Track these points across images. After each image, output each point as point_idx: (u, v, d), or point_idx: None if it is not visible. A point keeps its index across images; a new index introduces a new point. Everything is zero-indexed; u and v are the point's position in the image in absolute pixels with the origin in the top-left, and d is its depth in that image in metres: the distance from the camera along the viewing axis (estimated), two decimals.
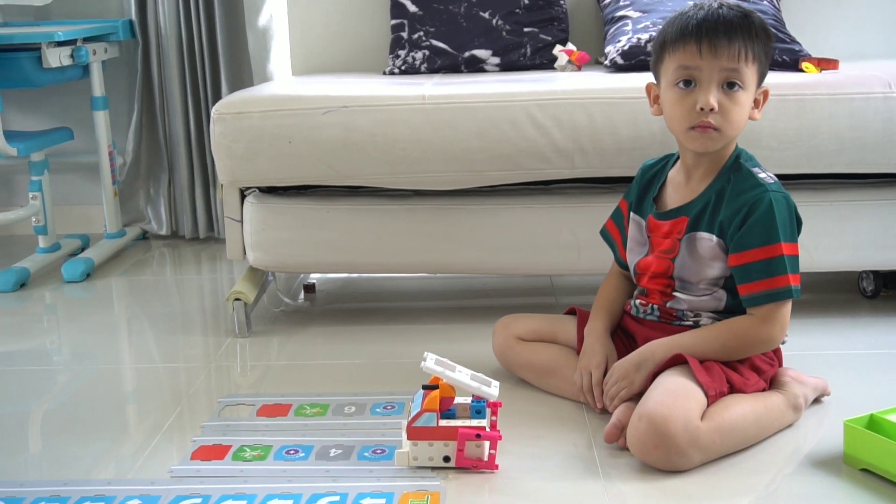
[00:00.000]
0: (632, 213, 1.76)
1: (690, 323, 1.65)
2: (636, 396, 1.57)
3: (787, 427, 1.59)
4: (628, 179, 1.84)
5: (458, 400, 1.53)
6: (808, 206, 2.08)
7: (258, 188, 2.18)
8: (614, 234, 1.83)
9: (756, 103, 1.62)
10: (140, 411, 1.81)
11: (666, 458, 1.43)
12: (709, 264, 1.61)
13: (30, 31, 2.69)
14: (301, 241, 2.15)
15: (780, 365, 1.67)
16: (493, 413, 1.53)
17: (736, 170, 1.62)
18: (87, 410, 1.81)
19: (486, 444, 1.48)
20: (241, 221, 2.20)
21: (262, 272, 2.30)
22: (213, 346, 2.13)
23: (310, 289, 2.52)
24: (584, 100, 2.01)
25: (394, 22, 2.62)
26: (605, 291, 1.80)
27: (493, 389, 1.53)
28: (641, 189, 1.75)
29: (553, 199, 2.11)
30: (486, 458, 1.48)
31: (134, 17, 3.00)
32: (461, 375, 1.52)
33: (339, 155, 2.05)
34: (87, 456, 1.60)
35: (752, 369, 1.60)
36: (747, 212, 1.56)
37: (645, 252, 1.71)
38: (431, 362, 1.52)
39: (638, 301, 1.73)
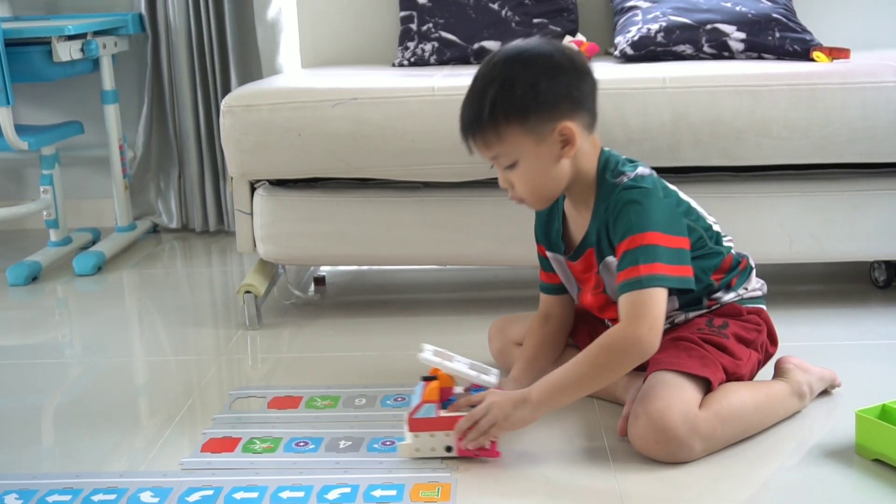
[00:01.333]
0: (549, 254, 1.69)
1: (667, 325, 1.55)
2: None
3: (793, 415, 1.58)
4: None
5: (457, 389, 1.53)
6: (820, 196, 2.07)
7: (268, 181, 2.18)
8: (555, 280, 1.72)
9: (565, 142, 1.48)
10: (151, 404, 1.82)
11: (668, 451, 1.43)
12: None
13: (40, 24, 2.69)
14: (311, 234, 2.15)
15: (772, 332, 1.63)
16: None
17: (601, 186, 1.54)
18: (99, 403, 1.82)
19: None
20: (251, 214, 2.20)
21: (273, 265, 2.31)
22: (224, 339, 2.14)
23: (320, 281, 2.52)
24: None
25: (403, 14, 2.62)
26: (528, 349, 1.69)
27: (491, 377, 1.52)
28: (544, 228, 1.69)
29: None
30: (487, 446, 1.47)
31: (143, 10, 3.01)
32: (459, 365, 1.52)
33: (349, 147, 2.05)
34: (100, 448, 1.61)
35: (740, 342, 1.56)
36: (611, 218, 1.50)
37: (577, 289, 1.67)
38: (429, 353, 1.51)
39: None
